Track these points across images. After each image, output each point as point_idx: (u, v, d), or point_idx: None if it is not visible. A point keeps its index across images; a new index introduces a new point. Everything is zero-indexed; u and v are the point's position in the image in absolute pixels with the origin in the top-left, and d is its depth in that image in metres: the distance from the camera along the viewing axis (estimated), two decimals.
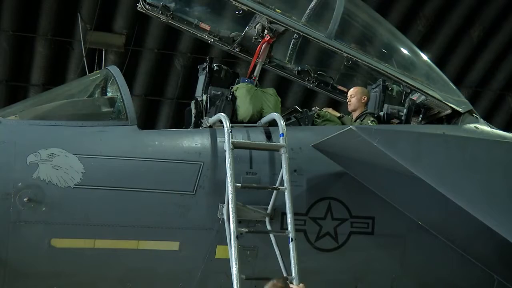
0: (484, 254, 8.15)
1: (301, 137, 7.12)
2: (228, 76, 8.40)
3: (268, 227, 7.36)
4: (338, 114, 8.80)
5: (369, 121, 8.46)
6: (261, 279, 7.30)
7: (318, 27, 8.28)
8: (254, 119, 7.98)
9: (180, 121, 9.26)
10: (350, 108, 8.82)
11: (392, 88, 8.87)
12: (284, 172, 7.32)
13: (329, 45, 8.20)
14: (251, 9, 8.06)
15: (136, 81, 16.73)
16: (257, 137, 7.67)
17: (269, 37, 8.34)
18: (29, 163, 6.88)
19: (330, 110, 8.81)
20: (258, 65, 8.51)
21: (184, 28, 8.62)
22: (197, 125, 8.14)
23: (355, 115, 8.75)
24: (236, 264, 6.82)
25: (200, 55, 15.13)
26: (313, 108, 8.75)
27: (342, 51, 8.27)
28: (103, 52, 16.20)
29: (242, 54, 8.83)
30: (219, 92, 8.12)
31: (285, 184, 7.25)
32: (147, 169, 7.25)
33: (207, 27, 8.61)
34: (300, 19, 8.24)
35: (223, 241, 7.09)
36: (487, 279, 8.26)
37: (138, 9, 8.45)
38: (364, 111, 8.71)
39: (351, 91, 8.85)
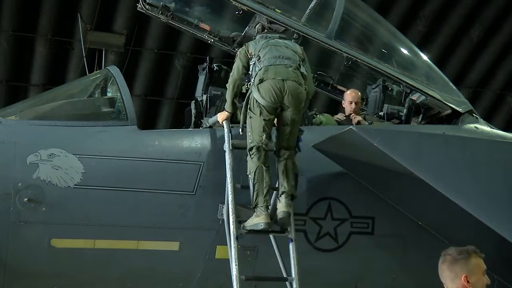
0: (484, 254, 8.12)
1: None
2: (228, 76, 8.38)
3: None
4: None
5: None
6: (261, 279, 7.32)
7: (318, 27, 8.28)
8: None
9: (180, 121, 9.26)
10: (349, 111, 8.82)
11: (392, 88, 8.87)
12: None
13: (329, 45, 8.20)
14: (251, 9, 8.04)
15: (136, 81, 16.71)
16: None
17: None
18: (29, 163, 6.87)
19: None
20: None
21: (184, 28, 8.61)
22: (197, 125, 8.13)
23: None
24: (236, 265, 6.81)
25: (200, 55, 15.08)
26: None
27: (342, 51, 8.27)
28: (103, 52, 16.19)
29: None
30: (219, 92, 8.10)
31: None
32: (147, 169, 7.25)
33: (207, 27, 8.59)
34: (300, 19, 8.24)
35: (223, 241, 7.07)
36: None
37: (138, 9, 8.43)
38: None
39: (354, 97, 8.85)
